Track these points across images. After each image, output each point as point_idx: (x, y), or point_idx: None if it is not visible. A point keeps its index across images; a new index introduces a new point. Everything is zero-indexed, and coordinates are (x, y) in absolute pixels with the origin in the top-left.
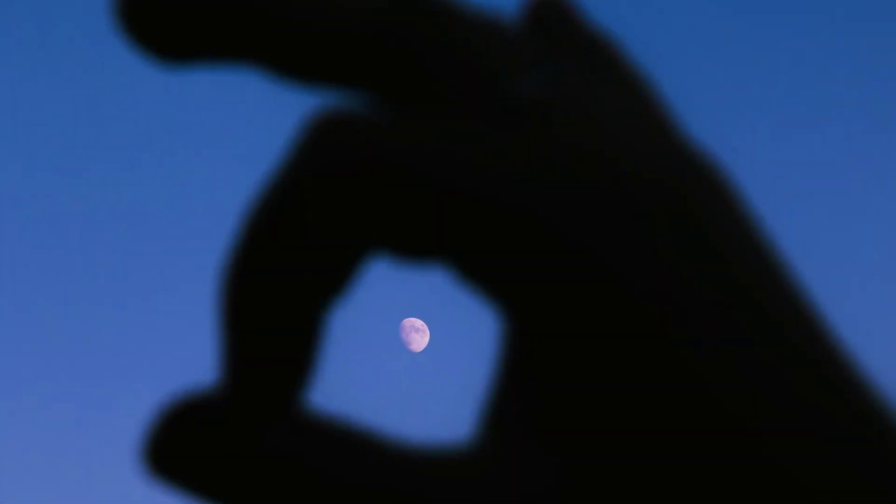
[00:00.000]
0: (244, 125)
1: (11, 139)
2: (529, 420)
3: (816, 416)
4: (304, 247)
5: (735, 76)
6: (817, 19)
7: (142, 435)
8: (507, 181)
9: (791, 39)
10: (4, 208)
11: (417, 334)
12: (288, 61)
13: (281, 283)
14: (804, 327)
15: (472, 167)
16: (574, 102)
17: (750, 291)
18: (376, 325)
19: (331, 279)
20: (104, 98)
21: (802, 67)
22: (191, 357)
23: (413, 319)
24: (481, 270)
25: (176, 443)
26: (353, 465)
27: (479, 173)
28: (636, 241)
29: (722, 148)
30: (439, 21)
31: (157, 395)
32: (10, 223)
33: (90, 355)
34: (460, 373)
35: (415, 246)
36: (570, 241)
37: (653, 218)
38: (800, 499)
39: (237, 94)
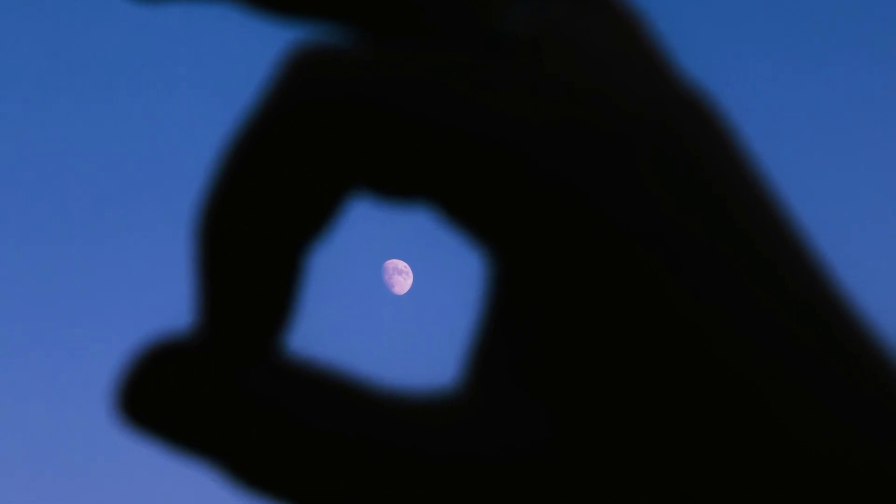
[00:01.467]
0: (220, 61)
1: None
2: (515, 366)
3: (811, 360)
4: (282, 186)
5: (730, 9)
6: None
7: (114, 381)
8: (493, 117)
9: None
10: None
11: (400, 276)
12: None
13: (258, 223)
14: (801, 270)
15: (456, 102)
16: (563, 36)
17: (744, 232)
18: (358, 267)
19: (310, 219)
20: (78, 32)
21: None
22: (165, 299)
23: (396, 261)
24: (466, 210)
25: (150, 389)
26: (333, 412)
27: (463, 109)
28: (626, 181)
29: (716, 84)
30: None
31: (129, 339)
32: None
33: (59, 297)
34: (444, 316)
35: (397, 184)
36: (557, 180)
37: (644, 157)
38: (792, 448)
39: (214, 28)
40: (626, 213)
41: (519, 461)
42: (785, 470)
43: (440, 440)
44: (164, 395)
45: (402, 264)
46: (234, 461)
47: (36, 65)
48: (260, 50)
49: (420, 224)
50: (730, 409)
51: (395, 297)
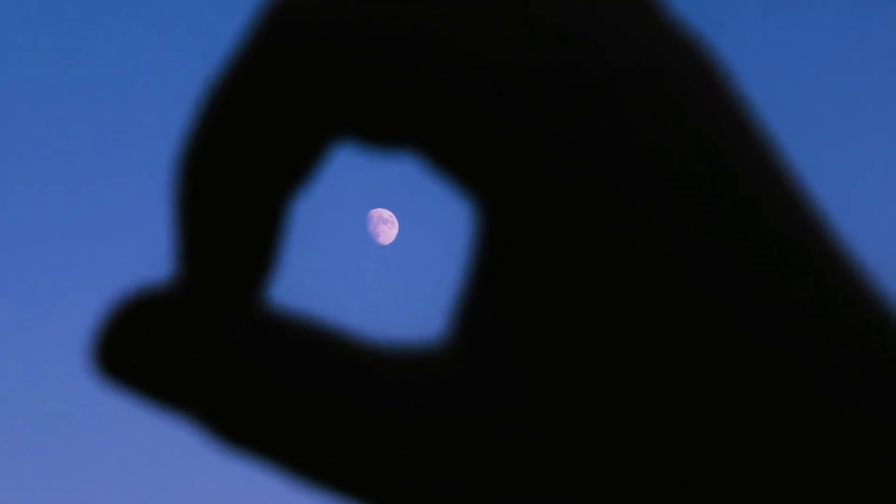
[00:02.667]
0: (201, 2)
1: None
2: (501, 319)
3: (799, 304)
4: (264, 132)
5: None
6: None
7: (91, 333)
8: (480, 61)
9: None
10: None
11: (385, 226)
12: None
13: (240, 170)
14: (795, 215)
15: (442, 47)
16: None
17: (737, 180)
18: (342, 217)
19: (293, 166)
20: None
21: None
22: (144, 248)
23: (381, 210)
24: (452, 156)
25: (127, 341)
26: (316, 365)
27: (450, 53)
28: (616, 130)
29: (709, 28)
30: None
31: (106, 289)
32: None
33: (33, 244)
34: (430, 267)
35: (382, 131)
36: (545, 127)
37: (635, 105)
38: (784, 395)
39: None
40: (613, 162)
41: (505, 415)
42: (780, 424)
43: (425, 394)
44: (142, 348)
45: (387, 213)
46: (215, 416)
47: (9, 3)
48: None
49: (406, 172)
50: (718, 360)
51: (379, 248)
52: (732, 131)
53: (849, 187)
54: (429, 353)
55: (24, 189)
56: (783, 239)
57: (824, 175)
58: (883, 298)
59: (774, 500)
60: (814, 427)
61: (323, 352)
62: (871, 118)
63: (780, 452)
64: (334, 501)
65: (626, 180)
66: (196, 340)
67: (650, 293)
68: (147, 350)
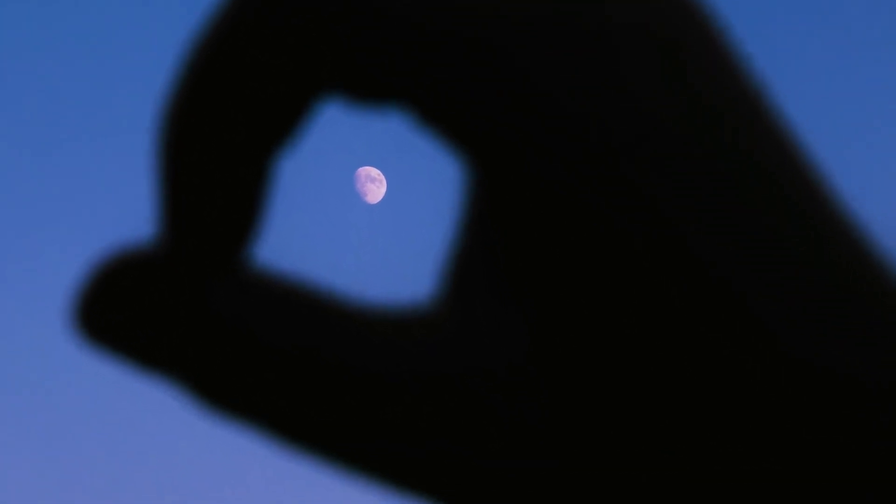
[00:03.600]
0: None
1: None
2: (492, 281)
3: (796, 263)
4: (248, 89)
5: None
6: None
7: (71, 295)
8: (472, 14)
9: None
10: None
11: (373, 184)
12: None
13: (224, 128)
14: (792, 173)
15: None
16: None
17: (734, 137)
18: (329, 175)
19: (279, 124)
20: None
21: None
22: (126, 209)
23: (369, 168)
24: (442, 113)
25: (109, 303)
26: (303, 328)
27: (441, 5)
28: (613, 85)
29: None
30: None
31: (87, 251)
32: None
33: (13, 205)
34: (419, 227)
35: (369, 87)
36: (538, 82)
37: (632, 60)
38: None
39: None
40: (607, 119)
41: (494, 378)
42: (780, 385)
43: (414, 356)
44: (124, 310)
45: (375, 172)
46: (198, 380)
47: None
48: None
49: (394, 129)
50: (712, 316)
51: (367, 206)
52: (729, 87)
53: (850, 146)
54: (418, 314)
55: (7, 147)
56: (782, 199)
57: (826, 132)
58: (886, 261)
59: (781, 473)
60: (821, 396)
61: (309, 313)
62: (874, 77)
63: (788, 423)
64: (320, 465)
65: (621, 136)
66: (179, 302)
67: (641, 246)
68: (129, 312)
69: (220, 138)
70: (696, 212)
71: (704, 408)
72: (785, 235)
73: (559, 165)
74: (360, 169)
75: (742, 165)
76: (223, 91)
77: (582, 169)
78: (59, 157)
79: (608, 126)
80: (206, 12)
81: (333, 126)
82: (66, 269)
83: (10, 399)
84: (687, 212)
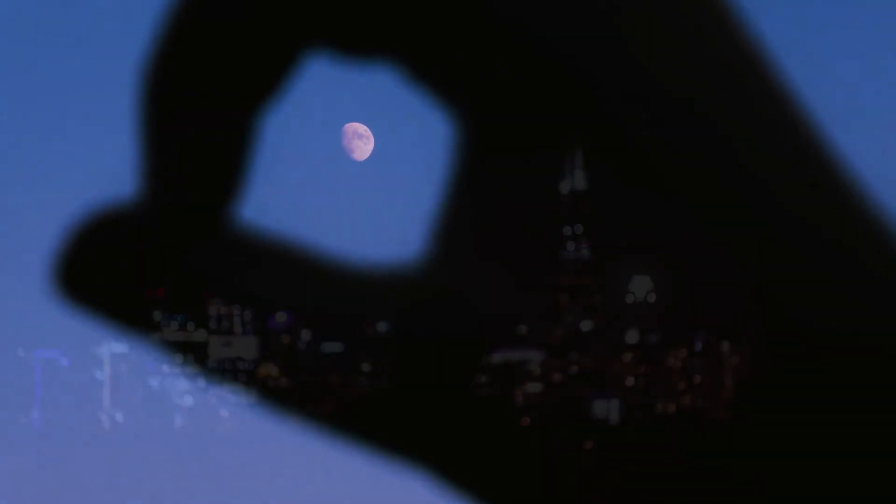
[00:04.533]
0: None
1: None
2: (481, 235)
3: (800, 216)
4: (232, 42)
5: None
6: None
7: (51, 253)
8: None
9: None
10: None
11: (360, 141)
12: None
13: (207, 82)
14: (792, 125)
15: None
16: None
17: (735, 91)
18: (314, 131)
19: (263, 79)
20: None
21: None
22: (107, 166)
23: (355, 124)
24: (431, 68)
25: (89, 262)
26: (289, 288)
27: None
28: (608, 36)
29: None
30: None
31: (68, 208)
32: None
33: None
34: (407, 184)
35: (356, 41)
36: (528, 31)
37: (629, 10)
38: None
39: None
40: (602, 66)
41: (483, 335)
42: (784, 343)
43: (401, 313)
44: (105, 269)
45: (362, 128)
46: (181, 339)
47: None
48: None
49: (382, 84)
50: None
51: (354, 163)
52: (727, 40)
53: (854, 113)
54: (406, 271)
55: None
56: (775, 146)
57: (828, 91)
58: (882, 214)
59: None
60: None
61: (296, 273)
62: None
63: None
64: (304, 426)
65: (614, 87)
66: (163, 261)
67: (642, 190)
68: (110, 271)
69: (204, 92)
70: (693, 152)
71: None
72: (778, 181)
73: (548, 123)
74: (347, 125)
75: (735, 115)
76: (206, 45)
77: (573, 127)
78: (42, 113)
79: (602, 77)
80: None
81: (319, 80)
82: (47, 225)
83: None
84: (683, 155)
